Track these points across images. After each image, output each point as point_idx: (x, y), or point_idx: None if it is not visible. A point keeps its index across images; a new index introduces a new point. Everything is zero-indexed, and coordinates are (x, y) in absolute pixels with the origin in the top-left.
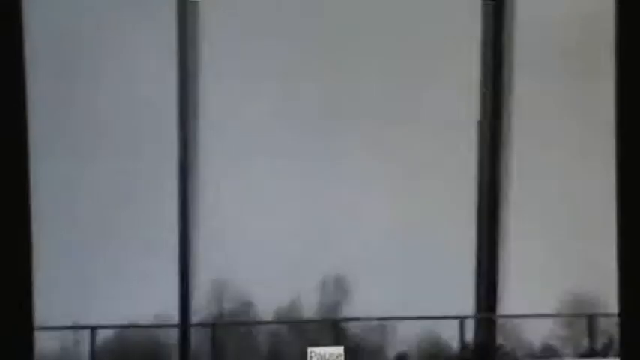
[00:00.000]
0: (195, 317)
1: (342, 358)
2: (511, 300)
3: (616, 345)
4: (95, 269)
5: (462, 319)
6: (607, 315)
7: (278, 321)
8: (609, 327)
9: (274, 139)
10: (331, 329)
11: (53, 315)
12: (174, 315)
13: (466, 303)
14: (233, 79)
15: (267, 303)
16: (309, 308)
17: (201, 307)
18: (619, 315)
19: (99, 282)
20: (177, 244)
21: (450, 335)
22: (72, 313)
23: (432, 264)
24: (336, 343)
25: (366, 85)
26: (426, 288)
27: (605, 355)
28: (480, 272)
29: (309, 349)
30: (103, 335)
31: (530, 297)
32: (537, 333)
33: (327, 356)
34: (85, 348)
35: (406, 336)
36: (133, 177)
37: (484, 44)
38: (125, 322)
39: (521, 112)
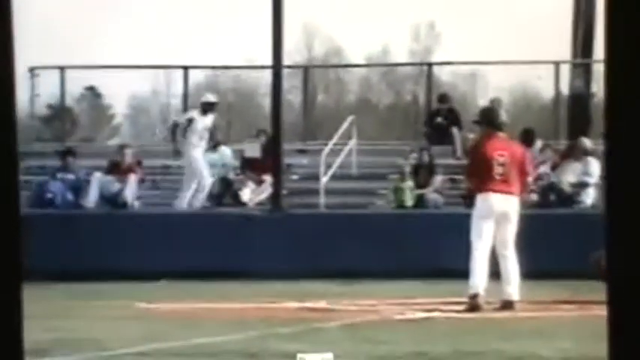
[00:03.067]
0: (286, 60)
1: None
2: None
3: None
4: (189, 15)
5: (557, 64)
6: None
7: (370, 64)
8: None
9: None
10: (423, 76)
11: (145, 55)
12: (265, 59)
13: (562, 49)
14: None
15: (357, 49)
16: (400, 55)
17: (291, 51)
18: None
19: (191, 25)
20: None
21: (543, 83)
22: (165, 54)
23: (526, 8)
24: (428, 89)
25: None
26: (520, 33)
27: None
28: (578, 16)
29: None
30: (194, 77)
31: None
32: None
33: None
34: (178, 89)
35: (498, 83)
36: None
37: None
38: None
39: None
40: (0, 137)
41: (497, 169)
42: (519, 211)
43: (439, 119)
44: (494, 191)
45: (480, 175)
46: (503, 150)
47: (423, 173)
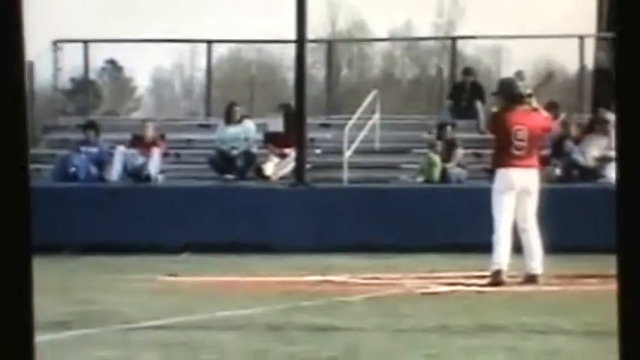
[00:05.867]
0: (310, 35)
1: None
2: None
3: None
4: None
5: (581, 38)
6: None
7: (393, 38)
8: None
9: None
10: (447, 50)
11: (169, 29)
12: (288, 34)
13: (587, 23)
14: None
15: (380, 23)
16: (424, 29)
17: (315, 26)
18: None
19: None
20: None
21: (567, 57)
22: (188, 28)
23: None
24: (452, 63)
25: None
26: (544, 7)
27: None
28: None
29: None
30: (218, 51)
31: None
32: None
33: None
34: (201, 63)
35: (522, 57)
36: None
37: None
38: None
39: None
40: (8, 116)
41: (516, 144)
42: (540, 185)
43: (463, 103)
44: (514, 166)
45: (498, 149)
46: (521, 124)
47: (444, 147)
